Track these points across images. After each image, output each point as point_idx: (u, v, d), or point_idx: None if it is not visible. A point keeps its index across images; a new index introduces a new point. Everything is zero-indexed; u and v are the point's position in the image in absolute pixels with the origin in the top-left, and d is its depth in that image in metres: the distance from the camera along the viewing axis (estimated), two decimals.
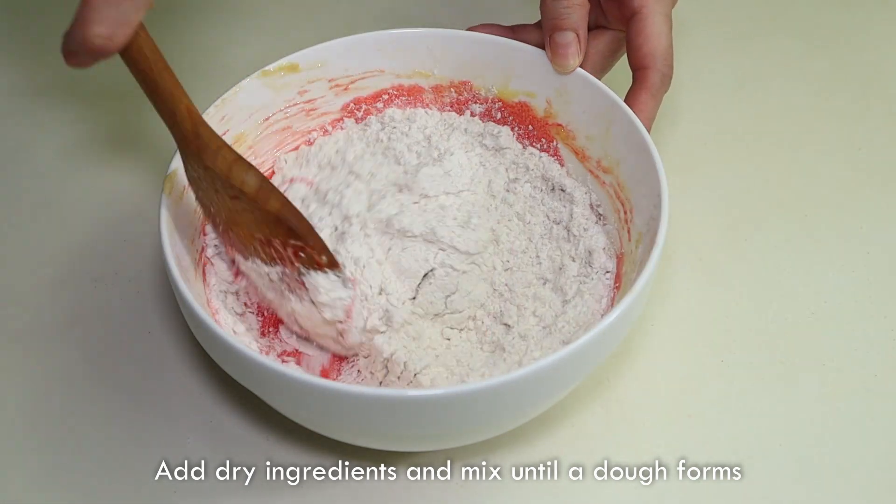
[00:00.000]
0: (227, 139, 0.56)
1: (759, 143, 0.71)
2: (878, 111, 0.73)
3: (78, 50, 0.41)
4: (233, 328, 0.52)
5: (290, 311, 0.52)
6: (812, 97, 0.74)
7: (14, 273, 0.63)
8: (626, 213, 0.55)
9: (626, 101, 0.56)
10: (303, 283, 0.50)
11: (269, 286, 0.52)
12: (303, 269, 0.50)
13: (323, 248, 0.50)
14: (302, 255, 0.49)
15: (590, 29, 0.59)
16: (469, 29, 0.61)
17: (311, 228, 0.50)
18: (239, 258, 0.53)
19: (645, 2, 0.56)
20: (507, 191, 0.59)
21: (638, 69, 0.56)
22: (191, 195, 0.53)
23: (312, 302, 0.51)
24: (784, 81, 0.75)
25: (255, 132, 0.58)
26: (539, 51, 0.58)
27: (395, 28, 0.60)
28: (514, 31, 0.61)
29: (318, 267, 0.50)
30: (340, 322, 0.51)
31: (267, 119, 0.59)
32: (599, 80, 0.58)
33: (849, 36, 0.79)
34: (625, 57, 0.59)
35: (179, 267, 0.48)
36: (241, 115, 0.57)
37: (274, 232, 0.49)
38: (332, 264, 0.50)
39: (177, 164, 0.52)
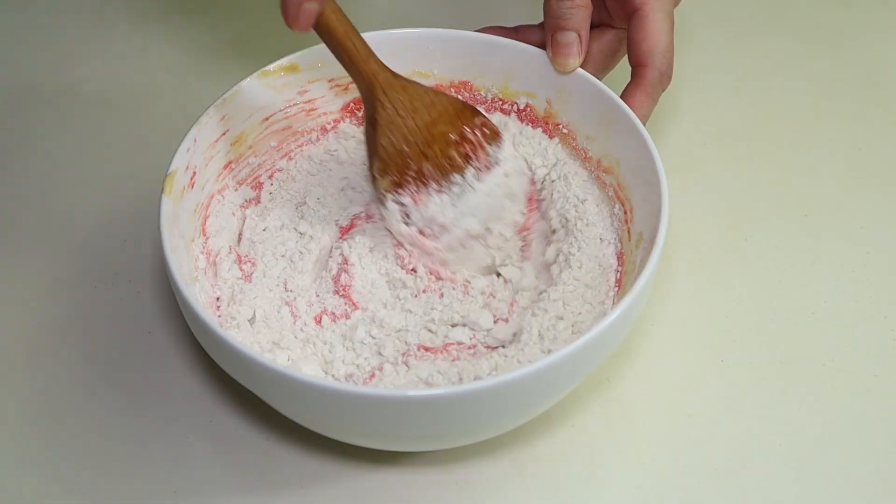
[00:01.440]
0: (227, 139, 0.56)
1: (759, 143, 0.71)
2: (878, 111, 0.73)
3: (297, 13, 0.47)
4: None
5: (463, 233, 0.55)
6: (812, 97, 0.74)
7: (14, 273, 0.63)
8: (626, 213, 0.55)
9: (622, 97, 0.56)
10: (493, 165, 0.55)
11: (458, 213, 0.55)
12: (489, 149, 0.55)
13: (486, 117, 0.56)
14: (486, 130, 0.55)
15: (593, 27, 0.59)
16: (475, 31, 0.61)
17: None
18: (431, 206, 0.55)
19: (645, 0, 0.56)
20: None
21: (636, 66, 0.57)
22: (190, 195, 0.53)
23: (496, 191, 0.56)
24: (784, 81, 0.75)
25: (255, 132, 0.58)
26: (539, 51, 0.58)
27: (395, 28, 0.60)
28: (517, 32, 0.61)
29: (497, 136, 0.56)
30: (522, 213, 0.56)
31: (267, 119, 0.59)
32: (601, 79, 0.58)
33: (849, 36, 0.79)
34: (625, 55, 0.60)
35: (179, 267, 0.48)
36: (240, 115, 0.57)
37: (464, 119, 0.55)
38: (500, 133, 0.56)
39: (177, 164, 0.52)
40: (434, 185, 0.54)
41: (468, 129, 0.55)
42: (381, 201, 0.55)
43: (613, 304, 0.53)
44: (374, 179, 0.55)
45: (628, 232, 0.54)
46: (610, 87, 0.56)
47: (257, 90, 0.57)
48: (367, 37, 0.58)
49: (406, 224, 0.55)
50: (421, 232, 0.55)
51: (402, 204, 0.54)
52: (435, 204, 0.54)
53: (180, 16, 0.81)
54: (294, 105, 0.60)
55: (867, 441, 0.54)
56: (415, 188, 0.54)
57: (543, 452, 0.54)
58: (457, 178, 0.55)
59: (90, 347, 0.59)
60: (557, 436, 0.55)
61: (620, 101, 0.55)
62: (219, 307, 0.53)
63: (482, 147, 0.55)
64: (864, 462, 0.54)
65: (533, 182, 0.58)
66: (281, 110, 0.59)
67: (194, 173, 0.54)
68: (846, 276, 0.62)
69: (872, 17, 0.81)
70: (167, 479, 0.53)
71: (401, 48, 0.59)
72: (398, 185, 0.54)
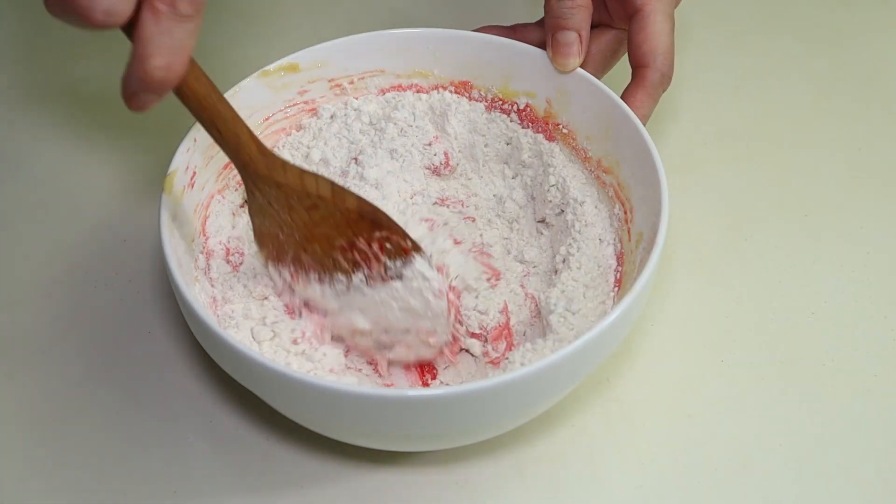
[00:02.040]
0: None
1: (759, 143, 0.71)
2: (878, 111, 0.73)
3: (138, 89, 0.40)
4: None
5: (380, 322, 0.52)
6: (812, 97, 0.74)
7: (14, 274, 0.63)
8: (626, 213, 0.55)
9: (622, 97, 0.56)
10: (390, 279, 0.50)
11: (344, 304, 0.52)
12: (389, 263, 0.50)
13: (405, 234, 0.50)
14: (388, 245, 0.50)
15: (593, 27, 0.59)
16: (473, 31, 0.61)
17: (389, 218, 0.50)
18: (311, 291, 0.52)
19: (646, 0, 0.56)
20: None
21: (637, 67, 0.57)
22: (190, 195, 0.53)
23: (403, 301, 0.51)
24: (784, 81, 0.75)
25: (255, 132, 0.58)
26: (539, 51, 0.58)
27: (395, 28, 0.60)
28: (515, 31, 0.61)
29: (405, 253, 0.50)
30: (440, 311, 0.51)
31: (267, 119, 0.59)
32: (600, 78, 0.58)
33: (849, 35, 0.79)
34: (626, 56, 0.60)
35: (179, 267, 0.48)
36: (241, 115, 0.57)
37: (357, 230, 0.49)
38: (416, 248, 0.50)
39: (177, 163, 0.52)
40: (314, 274, 0.51)
41: (361, 240, 0.50)
42: (264, 265, 0.53)
43: (613, 304, 0.53)
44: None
45: (628, 232, 0.54)
46: (610, 88, 0.56)
47: (257, 90, 0.57)
48: (367, 37, 0.58)
49: (291, 292, 0.52)
50: (306, 304, 0.53)
51: (282, 277, 0.52)
52: (314, 290, 0.52)
53: None
54: (294, 105, 0.60)
55: (867, 441, 0.54)
56: (293, 269, 0.51)
57: (543, 452, 0.54)
58: (341, 277, 0.51)
59: (90, 347, 0.59)
60: (558, 436, 0.55)
61: (620, 101, 0.55)
62: (216, 307, 0.53)
63: (377, 259, 0.50)
64: (864, 462, 0.54)
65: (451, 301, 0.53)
66: (281, 110, 0.59)
67: (194, 173, 0.54)
68: (846, 276, 0.62)
69: (872, 16, 0.81)
70: (167, 479, 0.53)
71: (401, 48, 0.59)
72: (277, 261, 0.52)
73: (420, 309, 0.51)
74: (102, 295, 0.61)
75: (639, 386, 0.57)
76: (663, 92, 0.57)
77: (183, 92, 0.44)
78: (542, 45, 0.58)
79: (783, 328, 0.59)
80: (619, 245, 0.55)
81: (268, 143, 0.59)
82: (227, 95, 0.56)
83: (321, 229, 0.49)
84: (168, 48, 0.39)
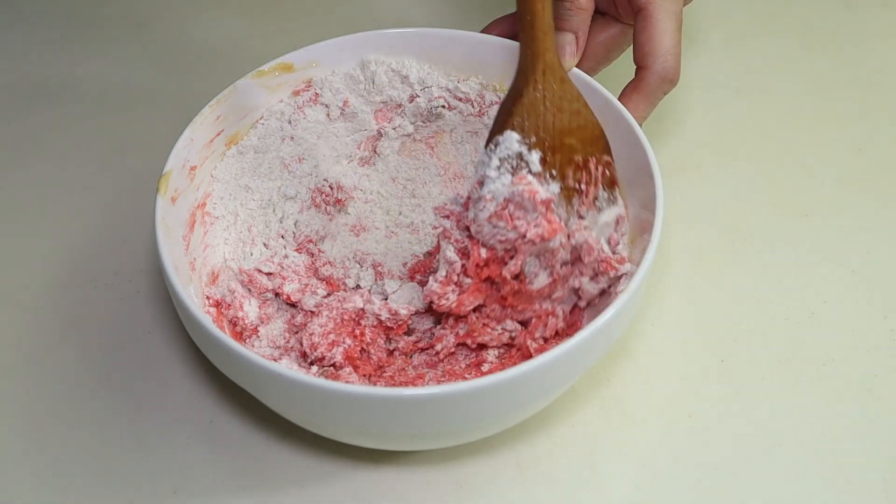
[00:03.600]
0: (222, 139, 0.56)
1: (759, 143, 0.71)
2: (878, 112, 0.73)
3: None
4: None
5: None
6: (812, 97, 0.74)
7: (14, 274, 0.63)
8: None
9: (620, 96, 0.56)
10: (595, 207, 0.52)
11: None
12: (601, 193, 0.52)
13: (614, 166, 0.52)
14: (608, 172, 0.52)
15: (601, 16, 0.58)
16: (482, 31, 0.61)
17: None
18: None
19: None
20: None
21: (638, 67, 0.56)
22: (187, 196, 0.53)
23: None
24: (784, 82, 0.75)
25: (250, 132, 0.58)
26: None
27: (393, 28, 0.60)
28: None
29: (614, 186, 0.52)
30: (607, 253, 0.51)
31: (261, 119, 0.59)
32: (600, 70, 0.57)
33: (849, 37, 0.79)
34: (626, 52, 0.59)
35: (175, 268, 0.48)
36: (236, 115, 0.57)
37: (595, 149, 0.51)
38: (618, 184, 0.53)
39: (172, 164, 0.52)
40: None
41: (593, 161, 0.51)
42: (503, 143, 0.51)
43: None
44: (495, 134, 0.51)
45: (624, 231, 0.54)
46: (608, 87, 0.56)
47: (252, 90, 0.57)
48: (363, 36, 0.59)
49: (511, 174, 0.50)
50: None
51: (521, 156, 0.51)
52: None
53: (178, 16, 0.81)
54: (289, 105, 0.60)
55: (867, 441, 0.54)
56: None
57: (543, 452, 0.54)
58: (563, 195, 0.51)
59: (90, 347, 0.59)
60: (557, 436, 0.55)
61: (615, 100, 0.55)
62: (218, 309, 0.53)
63: (596, 184, 0.51)
64: (864, 462, 0.54)
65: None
66: (277, 112, 0.59)
67: (190, 173, 0.54)
68: (846, 276, 0.62)
69: (873, 17, 0.81)
70: (167, 479, 0.53)
71: (399, 48, 0.59)
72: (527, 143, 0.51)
73: (595, 245, 0.51)
74: (102, 295, 0.61)
75: (639, 386, 0.57)
76: (665, 94, 0.56)
77: None
78: None
79: (783, 328, 0.59)
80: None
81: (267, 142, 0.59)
82: (221, 95, 0.56)
83: (571, 139, 0.51)
84: None
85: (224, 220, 0.57)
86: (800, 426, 0.55)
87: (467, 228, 0.52)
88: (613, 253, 0.52)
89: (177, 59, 0.77)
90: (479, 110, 0.60)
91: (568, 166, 0.51)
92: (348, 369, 0.53)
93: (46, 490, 0.53)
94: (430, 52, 0.59)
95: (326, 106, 0.59)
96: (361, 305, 0.54)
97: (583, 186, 0.51)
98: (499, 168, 0.50)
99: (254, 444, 0.54)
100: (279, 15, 0.81)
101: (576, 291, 0.53)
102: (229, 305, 0.54)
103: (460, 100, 0.60)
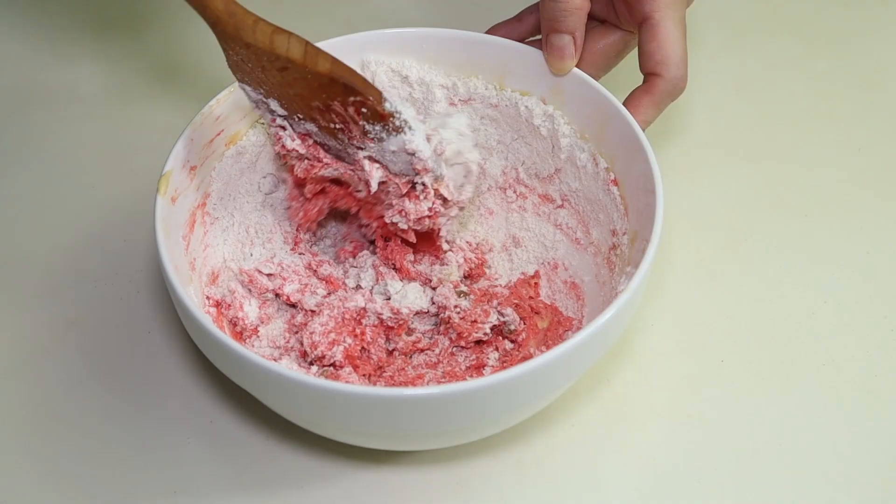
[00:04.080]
0: (222, 139, 0.56)
1: (759, 143, 0.71)
2: (878, 111, 0.73)
3: None
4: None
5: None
6: (812, 97, 0.74)
7: (14, 273, 0.63)
8: (623, 210, 0.55)
9: (626, 101, 0.55)
10: (370, 139, 0.50)
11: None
12: (368, 126, 0.49)
13: (381, 98, 0.49)
14: (364, 110, 0.49)
15: (601, 24, 0.58)
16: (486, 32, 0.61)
17: (366, 81, 0.49)
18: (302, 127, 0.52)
19: (655, 7, 0.55)
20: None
21: (648, 75, 0.56)
22: (187, 196, 0.53)
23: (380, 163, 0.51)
24: (784, 82, 0.75)
25: (248, 131, 0.58)
26: (534, 50, 0.58)
27: (392, 28, 0.59)
28: (521, 21, 0.61)
29: (382, 118, 0.49)
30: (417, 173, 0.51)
31: (261, 118, 0.59)
32: (599, 78, 0.57)
33: (849, 37, 0.79)
34: (627, 56, 0.59)
35: (175, 269, 0.48)
36: (235, 116, 0.57)
37: (331, 94, 0.48)
38: (392, 115, 0.49)
39: (171, 164, 0.52)
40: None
41: (336, 104, 0.49)
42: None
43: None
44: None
45: (625, 230, 0.54)
46: (606, 87, 0.56)
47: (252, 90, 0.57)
48: (363, 36, 0.58)
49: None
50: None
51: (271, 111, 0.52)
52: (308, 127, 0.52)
53: (177, 17, 0.81)
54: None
55: (867, 441, 0.54)
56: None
57: (543, 452, 0.54)
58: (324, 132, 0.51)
59: (90, 347, 0.59)
60: (557, 435, 0.55)
61: (615, 100, 0.55)
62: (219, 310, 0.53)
63: (354, 122, 0.49)
64: (865, 462, 0.54)
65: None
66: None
67: (190, 173, 0.54)
68: (846, 276, 0.62)
69: (872, 17, 0.81)
70: (167, 479, 0.53)
71: (397, 47, 0.59)
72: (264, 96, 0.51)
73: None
74: (102, 295, 0.61)
75: (639, 386, 0.57)
76: (672, 101, 0.56)
77: None
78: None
79: (783, 328, 0.59)
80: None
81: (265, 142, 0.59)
82: (220, 96, 0.56)
83: (295, 90, 0.48)
84: None
85: (223, 220, 0.57)
86: (800, 426, 0.55)
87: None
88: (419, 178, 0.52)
89: (177, 60, 0.77)
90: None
91: (311, 111, 0.50)
92: (348, 369, 0.53)
93: (46, 490, 0.53)
94: (430, 52, 0.59)
95: None
96: (363, 304, 0.54)
97: (339, 125, 0.50)
98: (257, 108, 0.51)
99: (254, 444, 0.54)
100: (279, 15, 0.81)
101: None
102: (229, 306, 0.54)
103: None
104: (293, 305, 0.56)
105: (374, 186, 0.51)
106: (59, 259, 0.63)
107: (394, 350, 0.55)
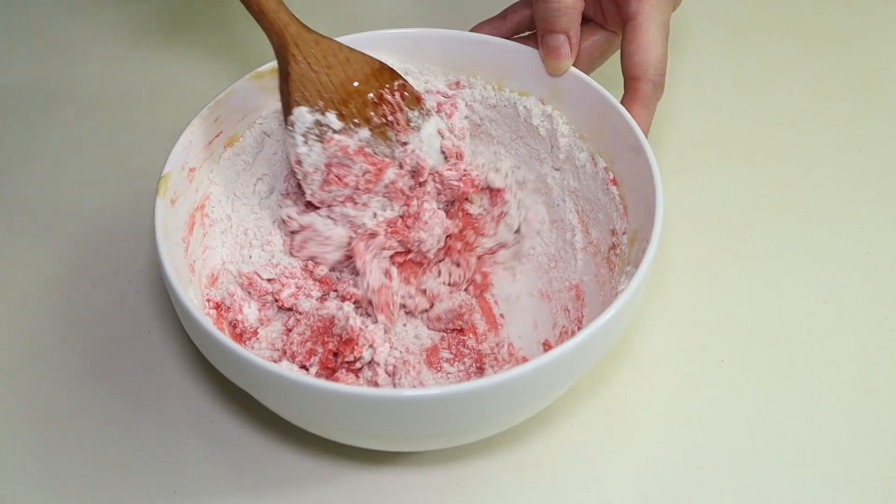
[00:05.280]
0: (221, 140, 0.56)
1: (758, 143, 0.71)
2: (878, 111, 0.73)
3: None
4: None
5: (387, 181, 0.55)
6: (812, 97, 0.74)
7: (14, 273, 0.63)
8: (623, 210, 0.55)
9: None
10: (411, 129, 0.54)
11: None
12: (410, 114, 0.54)
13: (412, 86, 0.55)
14: (406, 94, 0.54)
15: (585, 23, 0.58)
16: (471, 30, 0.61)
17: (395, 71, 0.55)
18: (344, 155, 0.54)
19: (641, 8, 0.55)
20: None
21: (629, 78, 0.56)
22: (186, 198, 0.53)
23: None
24: (784, 81, 0.75)
25: (247, 133, 0.58)
26: (532, 50, 0.58)
27: (389, 28, 0.59)
28: (506, 18, 0.61)
29: (418, 100, 0.55)
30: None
31: (259, 120, 0.59)
32: (588, 76, 0.58)
33: (848, 36, 0.79)
34: (618, 57, 0.59)
35: (174, 270, 0.48)
36: (234, 117, 0.57)
37: (381, 80, 0.54)
38: (421, 97, 0.56)
39: (171, 166, 0.52)
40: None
41: (387, 90, 0.54)
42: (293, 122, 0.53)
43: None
44: (287, 115, 0.54)
45: (624, 230, 0.54)
46: (605, 87, 0.56)
47: (250, 91, 0.57)
48: (362, 37, 0.58)
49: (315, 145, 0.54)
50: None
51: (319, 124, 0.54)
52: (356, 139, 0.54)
53: (177, 18, 0.81)
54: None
55: (867, 441, 0.54)
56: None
57: (543, 452, 0.54)
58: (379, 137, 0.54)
59: (90, 347, 0.59)
60: (557, 435, 0.55)
61: (614, 99, 0.55)
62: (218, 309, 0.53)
63: (401, 109, 0.54)
64: (865, 461, 0.54)
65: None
66: (274, 112, 0.59)
67: (189, 174, 0.54)
68: (846, 276, 0.62)
69: (872, 17, 0.81)
70: (167, 479, 0.53)
71: (395, 48, 0.59)
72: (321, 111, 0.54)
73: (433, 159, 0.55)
74: (102, 295, 0.61)
75: (639, 386, 0.57)
76: (658, 100, 0.57)
77: None
78: (532, 22, 0.58)
79: (783, 328, 0.59)
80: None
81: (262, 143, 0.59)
82: (220, 97, 0.56)
83: (354, 85, 0.53)
84: None
85: (222, 222, 0.57)
86: (800, 426, 0.55)
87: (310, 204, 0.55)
88: (449, 159, 0.56)
89: (176, 60, 0.77)
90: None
91: (366, 108, 0.54)
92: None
93: (46, 490, 0.53)
94: (429, 52, 0.59)
95: None
96: (334, 312, 0.54)
97: (390, 118, 0.54)
98: (305, 142, 0.53)
99: (254, 444, 0.54)
100: None
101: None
102: (229, 308, 0.54)
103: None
104: (289, 309, 0.56)
105: (424, 175, 0.55)
106: (59, 259, 0.63)
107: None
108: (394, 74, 0.54)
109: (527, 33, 0.62)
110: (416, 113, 0.55)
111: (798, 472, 0.53)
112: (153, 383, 0.57)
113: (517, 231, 0.59)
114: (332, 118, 0.53)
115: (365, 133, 0.54)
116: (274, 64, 0.57)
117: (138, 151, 0.70)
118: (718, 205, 0.66)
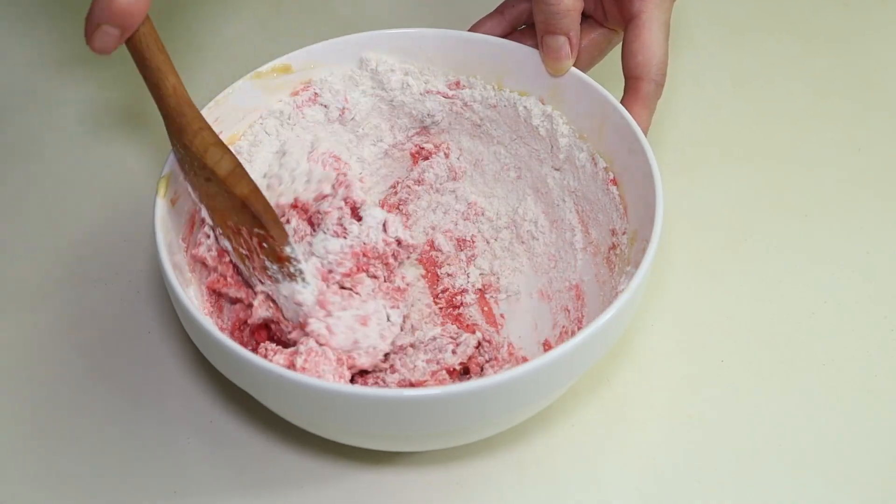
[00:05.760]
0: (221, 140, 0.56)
1: (758, 143, 0.71)
2: (877, 111, 0.73)
3: (102, 20, 0.43)
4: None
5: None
6: (812, 97, 0.74)
7: (14, 273, 0.63)
8: (623, 210, 0.55)
9: None
10: (269, 276, 0.50)
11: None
12: (267, 263, 0.50)
13: (284, 241, 0.49)
14: (265, 245, 0.49)
15: (584, 20, 0.58)
16: (469, 30, 0.61)
17: (277, 221, 0.49)
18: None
19: (644, 7, 0.55)
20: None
21: (631, 78, 0.56)
22: (187, 198, 0.53)
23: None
24: (783, 81, 0.75)
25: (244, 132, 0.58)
26: (532, 50, 0.58)
27: (389, 28, 0.59)
28: (503, 13, 0.61)
29: (279, 260, 0.49)
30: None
31: (259, 119, 0.59)
32: (586, 73, 0.58)
33: (848, 36, 0.79)
34: (610, 53, 0.59)
35: (174, 270, 0.48)
36: (234, 117, 0.57)
37: (241, 219, 0.49)
38: (290, 259, 0.50)
39: (171, 166, 0.52)
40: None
41: (244, 230, 0.50)
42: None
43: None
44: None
45: (624, 230, 0.54)
46: (604, 87, 0.56)
47: (250, 91, 0.57)
48: (362, 37, 0.58)
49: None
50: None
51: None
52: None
53: (177, 18, 0.81)
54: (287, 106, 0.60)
55: (867, 441, 0.54)
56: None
57: (543, 452, 0.54)
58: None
59: (90, 347, 0.59)
60: (557, 435, 0.55)
61: (614, 99, 0.55)
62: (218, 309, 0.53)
63: (257, 254, 0.50)
64: (865, 461, 0.54)
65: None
66: (274, 112, 0.59)
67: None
68: (846, 276, 0.62)
69: (872, 17, 0.81)
70: (167, 479, 0.53)
71: (394, 48, 0.59)
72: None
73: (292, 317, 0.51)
74: (102, 295, 0.61)
75: (639, 386, 0.57)
76: (658, 100, 0.57)
77: (134, 39, 0.46)
78: (531, 17, 0.58)
79: (783, 328, 0.59)
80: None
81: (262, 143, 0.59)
82: (219, 97, 0.56)
83: (216, 203, 0.50)
84: None
85: None
86: (800, 426, 0.55)
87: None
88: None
89: (176, 60, 0.77)
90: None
91: (227, 229, 0.51)
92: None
93: (46, 490, 0.53)
94: (429, 52, 0.59)
95: (325, 106, 0.59)
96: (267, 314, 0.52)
97: (244, 251, 0.51)
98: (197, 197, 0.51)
99: (254, 444, 0.54)
100: (278, 15, 0.81)
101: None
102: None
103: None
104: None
105: (254, 318, 0.51)
106: (59, 259, 0.63)
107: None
108: (255, 220, 0.49)
109: (524, 27, 0.62)
110: (275, 267, 0.50)
111: (798, 472, 0.53)
112: (153, 383, 0.57)
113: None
114: (205, 213, 0.51)
115: (226, 244, 0.51)
116: (274, 63, 0.57)
117: (138, 151, 0.70)
118: (718, 205, 0.66)
